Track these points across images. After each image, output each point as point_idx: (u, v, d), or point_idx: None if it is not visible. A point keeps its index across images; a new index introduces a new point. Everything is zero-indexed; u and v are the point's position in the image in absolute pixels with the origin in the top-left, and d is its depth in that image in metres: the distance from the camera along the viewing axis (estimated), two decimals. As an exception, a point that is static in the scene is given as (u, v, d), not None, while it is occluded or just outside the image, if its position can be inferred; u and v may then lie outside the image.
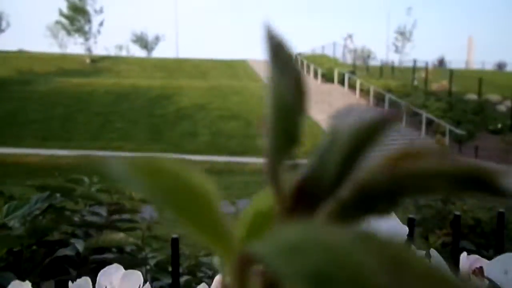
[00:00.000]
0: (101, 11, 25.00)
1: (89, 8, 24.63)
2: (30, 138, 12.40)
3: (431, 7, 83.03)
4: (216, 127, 13.81)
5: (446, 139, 12.78)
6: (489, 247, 1.63)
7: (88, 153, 11.39)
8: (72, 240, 0.69)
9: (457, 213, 0.97)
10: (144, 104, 15.35)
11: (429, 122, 14.31)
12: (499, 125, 14.55)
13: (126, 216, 0.93)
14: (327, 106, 16.54)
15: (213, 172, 10.54)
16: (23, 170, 10.30)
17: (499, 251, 1.08)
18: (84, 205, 0.95)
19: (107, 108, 14.80)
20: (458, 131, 13.33)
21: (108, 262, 0.80)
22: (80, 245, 0.66)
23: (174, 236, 0.76)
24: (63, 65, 23.00)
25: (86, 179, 0.98)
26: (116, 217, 0.91)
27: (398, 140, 13.88)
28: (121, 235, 0.70)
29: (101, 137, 12.75)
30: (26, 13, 72.60)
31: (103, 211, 0.92)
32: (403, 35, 24.74)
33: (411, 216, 0.95)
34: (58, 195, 0.87)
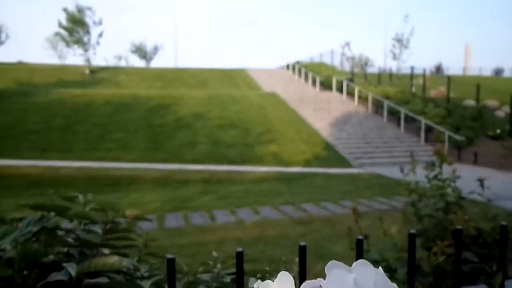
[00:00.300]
0: (100, 22, 25.16)
1: (88, 20, 24.79)
2: (29, 149, 12.37)
3: (428, 14, 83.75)
4: (215, 136, 13.80)
5: (446, 145, 12.77)
6: (492, 258, 1.61)
7: (87, 164, 11.36)
8: (65, 264, 0.67)
9: (459, 227, 0.95)
10: (143, 114, 15.36)
11: (428, 129, 14.32)
12: (498, 131, 14.55)
13: (122, 234, 0.91)
14: (326, 114, 16.56)
15: (212, 181, 10.50)
16: (23, 182, 10.26)
17: (503, 265, 1.06)
18: (79, 223, 0.93)
19: (106, 118, 14.80)
20: (457, 137, 13.34)
21: (102, 286, 0.79)
22: (72, 269, 0.64)
23: (170, 256, 0.75)
24: (63, 76, 23.07)
25: (80, 197, 0.96)
26: (112, 235, 0.90)
27: (397, 147, 13.89)
28: (114, 259, 0.68)
29: (100, 148, 12.72)
30: (25, 25, 73.06)
31: (98, 229, 0.90)
32: (401, 42, 24.90)
33: (412, 231, 0.93)
34: (52, 214, 0.86)
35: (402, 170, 1.94)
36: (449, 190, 1.80)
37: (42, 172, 10.76)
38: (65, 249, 0.84)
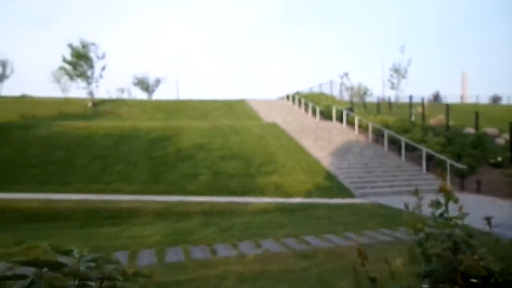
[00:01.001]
0: (103, 56, 25.76)
1: (92, 54, 25.39)
2: (29, 182, 12.30)
3: (425, 43, 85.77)
4: (216, 167, 13.76)
5: (447, 174, 12.66)
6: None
7: (87, 197, 11.25)
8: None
9: (475, 280, 0.91)
10: (144, 146, 15.40)
11: (429, 157, 14.27)
12: (499, 158, 14.49)
13: (118, 290, 0.87)
14: (326, 143, 16.59)
15: (214, 213, 10.35)
16: (21, 215, 10.12)
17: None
18: (73, 278, 0.89)
19: (107, 150, 14.82)
20: (459, 165, 13.25)
21: None
22: None
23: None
24: (65, 109, 23.36)
25: (76, 252, 0.93)
26: (107, 291, 0.85)
27: (399, 176, 13.79)
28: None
29: (100, 180, 12.66)
30: (29, 59, 74.94)
31: (94, 283, 0.86)
32: (398, 72, 25.37)
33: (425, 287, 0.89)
34: (45, 269, 0.83)
35: (407, 207, 1.90)
36: (456, 228, 1.76)
37: (41, 205, 10.65)
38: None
